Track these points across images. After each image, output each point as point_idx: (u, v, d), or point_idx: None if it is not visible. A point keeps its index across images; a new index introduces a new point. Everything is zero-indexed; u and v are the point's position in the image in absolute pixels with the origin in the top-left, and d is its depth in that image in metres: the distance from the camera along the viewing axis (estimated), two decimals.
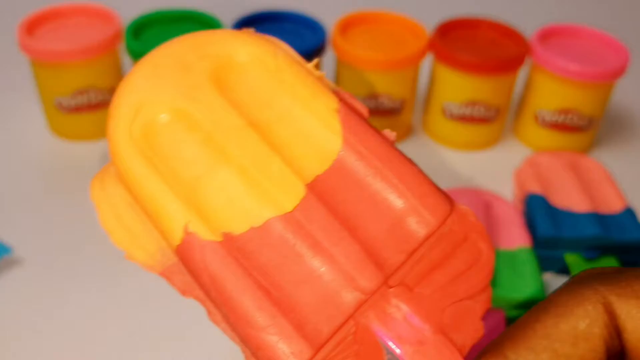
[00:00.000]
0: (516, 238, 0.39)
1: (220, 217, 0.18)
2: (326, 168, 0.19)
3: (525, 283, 0.36)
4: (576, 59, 0.47)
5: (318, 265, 0.18)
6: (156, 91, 0.19)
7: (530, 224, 0.40)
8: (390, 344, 0.17)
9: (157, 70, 0.19)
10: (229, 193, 0.18)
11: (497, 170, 0.49)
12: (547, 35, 0.50)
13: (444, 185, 0.45)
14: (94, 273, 0.39)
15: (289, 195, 0.18)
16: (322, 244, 0.18)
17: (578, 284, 0.18)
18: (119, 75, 0.49)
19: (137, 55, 0.45)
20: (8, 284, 0.38)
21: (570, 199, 0.42)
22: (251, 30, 0.20)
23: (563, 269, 0.40)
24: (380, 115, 0.49)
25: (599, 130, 0.53)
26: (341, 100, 0.19)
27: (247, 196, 0.18)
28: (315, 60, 0.21)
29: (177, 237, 0.18)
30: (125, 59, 0.49)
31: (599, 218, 0.40)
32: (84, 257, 0.40)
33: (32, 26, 0.47)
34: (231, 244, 0.18)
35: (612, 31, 0.51)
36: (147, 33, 0.48)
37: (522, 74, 0.51)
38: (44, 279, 0.38)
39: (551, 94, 0.48)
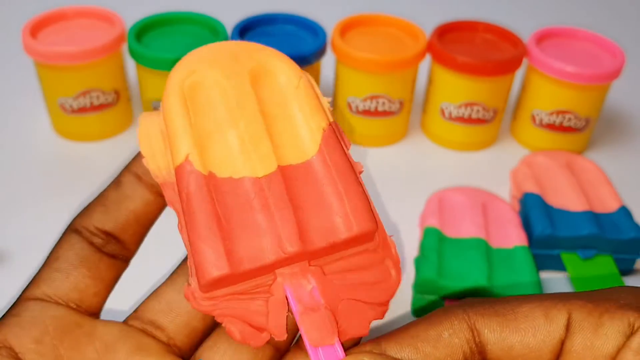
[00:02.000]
0: (513, 237, 0.39)
1: (213, 160, 0.24)
2: (298, 162, 0.24)
3: (521, 282, 0.36)
4: (572, 61, 0.47)
5: (261, 220, 0.23)
6: (209, 65, 0.26)
7: (527, 223, 0.41)
8: (292, 301, 0.23)
9: (214, 53, 0.26)
10: (226, 149, 0.24)
11: (494, 170, 0.49)
12: (544, 38, 0.51)
13: (442, 185, 0.46)
14: None
15: (264, 166, 0.24)
16: (271, 208, 0.23)
17: (454, 306, 0.22)
18: (121, 77, 0.49)
19: (139, 57, 0.46)
20: (9, 284, 0.38)
21: (566, 198, 0.42)
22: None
23: (559, 268, 0.40)
24: (379, 116, 0.50)
25: (594, 130, 0.54)
26: (331, 125, 0.25)
27: (236, 156, 0.24)
28: (329, 99, 0.27)
29: (179, 159, 0.24)
30: (128, 61, 0.49)
31: (594, 217, 0.40)
32: None
33: (36, 29, 0.48)
34: (211, 181, 0.24)
35: (608, 33, 0.52)
36: (149, 36, 0.49)
37: (518, 75, 0.51)
38: None
39: (547, 95, 0.49)
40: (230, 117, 0.25)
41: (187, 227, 0.23)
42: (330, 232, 0.23)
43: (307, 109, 0.25)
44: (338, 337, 0.23)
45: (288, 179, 0.24)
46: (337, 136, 0.25)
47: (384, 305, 0.24)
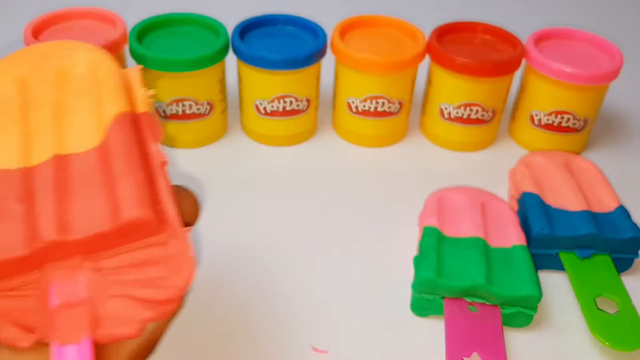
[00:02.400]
0: (511, 236, 0.39)
1: None
2: (79, 151, 0.24)
3: (520, 281, 0.36)
4: (571, 62, 0.48)
5: (21, 209, 0.22)
6: (16, 63, 0.26)
7: (525, 223, 0.41)
8: (52, 296, 0.21)
9: (25, 53, 0.27)
10: (9, 143, 0.24)
11: (493, 170, 0.49)
12: (542, 38, 0.51)
13: (441, 185, 0.46)
14: None
15: (38, 156, 0.23)
16: (35, 198, 0.22)
17: None
18: None
19: (140, 58, 0.46)
20: None
21: (564, 198, 0.42)
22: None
23: (557, 267, 0.40)
24: (379, 117, 0.50)
25: (593, 131, 0.54)
26: (128, 114, 0.25)
27: (15, 148, 0.24)
28: (152, 92, 0.27)
29: None
30: (130, 62, 0.49)
31: (592, 217, 0.40)
32: None
33: (38, 30, 0.48)
34: None
35: (606, 34, 0.52)
36: (150, 37, 0.49)
37: (517, 76, 0.51)
38: None
39: (546, 95, 0.49)
40: (21, 114, 0.25)
41: None
42: (96, 223, 0.22)
43: (101, 99, 0.25)
44: (92, 336, 0.21)
45: (62, 169, 0.23)
46: (130, 125, 0.24)
47: (167, 304, 0.22)
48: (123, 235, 0.22)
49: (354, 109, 0.50)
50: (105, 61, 0.27)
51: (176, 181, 0.25)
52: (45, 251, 0.21)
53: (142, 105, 0.26)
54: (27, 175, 0.23)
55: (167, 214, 0.23)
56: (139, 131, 0.25)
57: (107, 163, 0.23)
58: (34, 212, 0.22)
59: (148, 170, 0.23)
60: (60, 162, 0.23)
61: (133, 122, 0.25)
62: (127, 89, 0.26)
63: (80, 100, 0.25)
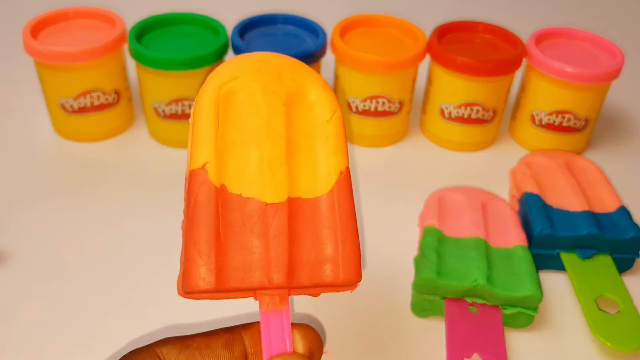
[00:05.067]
0: (512, 237, 0.39)
1: (229, 174, 0.25)
2: (308, 197, 0.25)
3: (521, 281, 0.36)
4: (572, 61, 0.48)
5: (257, 245, 0.24)
6: (251, 76, 0.26)
7: (526, 223, 0.41)
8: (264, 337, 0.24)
9: (259, 64, 0.26)
10: (243, 165, 0.25)
11: (494, 170, 0.49)
12: (543, 38, 0.51)
13: (442, 185, 0.46)
14: (96, 273, 0.39)
15: (274, 194, 0.25)
16: (269, 236, 0.24)
17: (145, 346, 0.24)
18: (122, 77, 0.49)
19: (140, 57, 0.46)
20: (9, 284, 0.38)
21: (565, 198, 0.42)
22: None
23: (558, 267, 0.40)
24: (379, 117, 0.50)
25: (594, 130, 0.54)
26: (348, 169, 0.26)
27: (251, 175, 0.25)
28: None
29: (195, 164, 0.24)
30: (129, 61, 0.49)
31: (593, 217, 0.40)
32: (86, 256, 0.40)
33: (37, 29, 0.48)
34: (221, 194, 0.24)
35: (607, 34, 0.52)
36: (150, 36, 0.49)
37: (518, 75, 0.51)
38: (47, 278, 0.39)
39: (547, 95, 0.49)
40: (257, 134, 0.25)
41: (186, 232, 0.24)
42: (317, 274, 0.25)
43: (331, 146, 0.26)
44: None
45: (293, 212, 0.25)
46: (350, 182, 0.26)
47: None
48: (331, 286, 0.25)
49: (354, 109, 0.50)
50: (335, 104, 0.27)
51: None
52: (272, 288, 0.25)
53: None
54: (263, 210, 0.25)
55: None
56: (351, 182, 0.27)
57: (333, 216, 0.25)
58: (268, 252, 0.24)
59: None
60: (292, 206, 0.25)
61: (350, 175, 0.26)
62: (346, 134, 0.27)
63: (310, 139, 0.26)
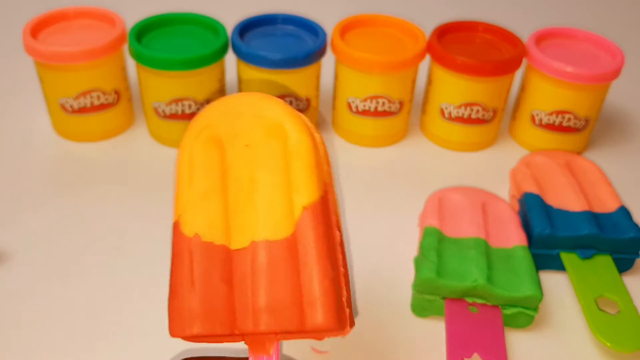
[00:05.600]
0: (512, 237, 0.39)
1: (199, 224, 0.26)
2: (275, 239, 0.25)
3: (521, 281, 0.36)
4: (572, 61, 0.48)
5: (225, 291, 0.25)
6: (218, 122, 0.27)
7: (526, 223, 0.41)
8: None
9: (224, 108, 0.27)
10: (211, 215, 0.26)
11: (494, 171, 0.49)
12: (543, 38, 0.51)
13: (442, 185, 0.46)
14: (97, 273, 0.39)
15: (239, 240, 0.25)
16: (234, 281, 0.25)
17: None
18: (122, 77, 0.49)
19: (140, 57, 0.46)
20: (9, 284, 0.38)
21: (566, 198, 0.42)
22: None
23: (559, 267, 0.40)
24: (379, 117, 0.50)
25: (594, 130, 0.54)
26: (318, 201, 0.25)
27: (218, 224, 0.26)
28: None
29: (175, 216, 0.26)
30: (129, 61, 0.49)
31: (593, 217, 0.40)
32: (86, 257, 0.40)
33: (37, 29, 0.48)
34: (195, 243, 0.25)
35: (607, 34, 0.52)
36: (150, 36, 0.49)
37: (518, 75, 0.51)
38: (47, 279, 0.39)
39: (547, 95, 0.49)
40: (221, 181, 0.26)
41: (170, 276, 0.26)
42: (285, 320, 0.24)
43: (294, 182, 0.26)
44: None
45: (256, 256, 0.25)
46: (318, 216, 0.25)
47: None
48: (306, 332, 0.25)
49: (354, 109, 0.50)
50: (304, 133, 0.26)
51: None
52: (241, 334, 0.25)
53: (325, 181, 0.27)
54: (228, 256, 0.25)
55: (347, 317, 0.25)
56: (325, 215, 0.26)
57: (297, 257, 0.25)
58: (233, 297, 0.25)
59: (333, 262, 0.25)
60: (255, 249, 0.25)
61: (322, 208, 0.26)
62: (316, 161, 0.26)
63: (275, 176, 0.26)
